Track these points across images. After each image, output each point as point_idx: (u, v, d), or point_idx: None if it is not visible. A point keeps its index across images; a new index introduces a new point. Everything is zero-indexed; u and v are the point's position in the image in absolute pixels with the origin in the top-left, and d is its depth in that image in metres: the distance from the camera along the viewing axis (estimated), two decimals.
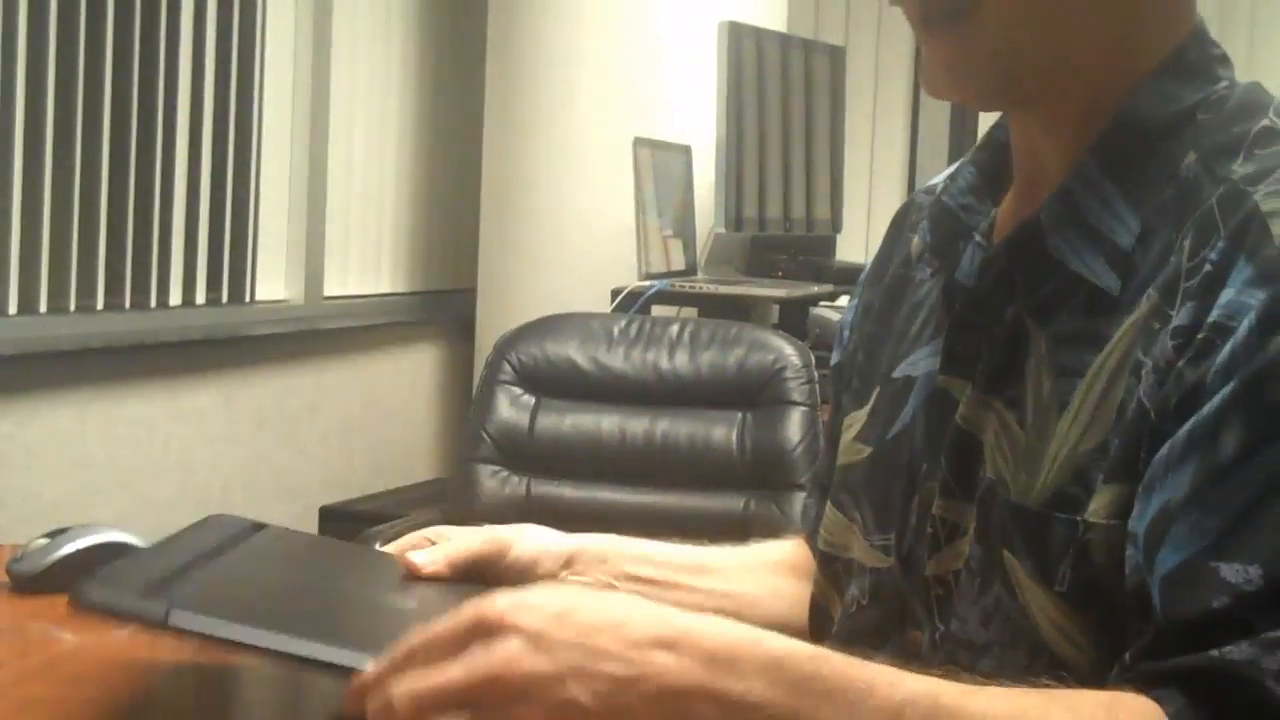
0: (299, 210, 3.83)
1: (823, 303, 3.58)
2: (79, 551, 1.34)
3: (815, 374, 2.53)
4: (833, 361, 1.28)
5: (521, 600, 0.80)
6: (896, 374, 1.12)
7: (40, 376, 2.98)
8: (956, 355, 1.06)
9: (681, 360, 2.59)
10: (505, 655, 0.78)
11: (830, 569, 1.17)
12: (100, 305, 3.11)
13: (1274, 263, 0.88)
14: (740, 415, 2.53)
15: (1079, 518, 0.93)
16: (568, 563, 1.23)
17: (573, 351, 2.62)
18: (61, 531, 1.37)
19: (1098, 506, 0.92)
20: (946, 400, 1.05)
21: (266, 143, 3.64)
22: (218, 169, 3.45)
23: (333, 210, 3.94)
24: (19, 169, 2.87)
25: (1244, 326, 0.87)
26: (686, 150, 3.88)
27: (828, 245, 4.29)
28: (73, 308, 3.03)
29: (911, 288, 1.16)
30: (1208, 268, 0.90)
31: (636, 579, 1.24)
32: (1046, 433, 0.97)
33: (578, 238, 3.89)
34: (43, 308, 2.96)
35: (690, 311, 3.41)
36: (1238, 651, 0.82)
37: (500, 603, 0.80)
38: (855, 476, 1.15)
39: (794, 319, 3.52)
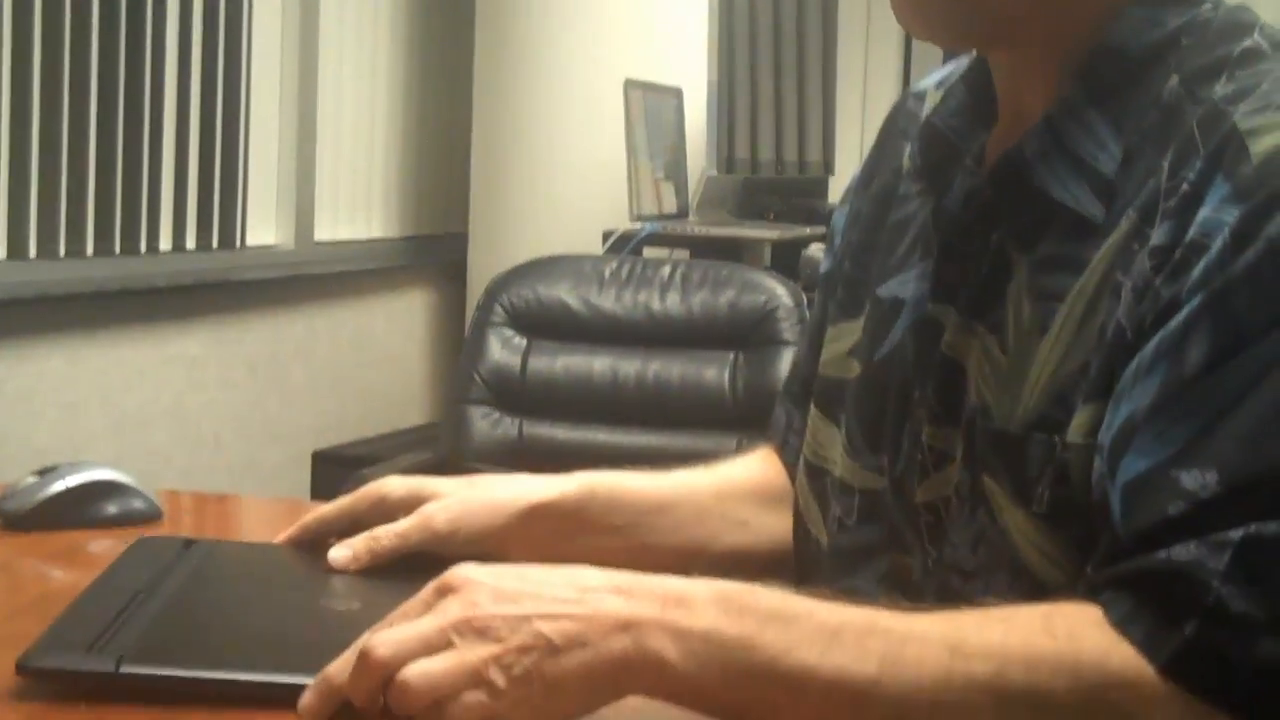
0: (289, 155, 3.81)
1: (815, 244, 3.57)
2: (69, 489, 1.34)
3: (807, 314, 2.53)
4: (822, 270, 1.28)
5: (478, 566, 0.88)
6: (884, 294, 1.12)
7: (30, 322, 2.97)
8: (943, 282, 1.06)
9: (673, 301, 2.59)
10: (472, 600, 0.85)
11: (816, 483, 1.17)
12: (90, 251, 3.09)
13: (1250, 180, 0.87)
14: (732, 355, 2.53)
15: (1056, 438, 0.93)
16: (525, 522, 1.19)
17: (564, 293, 2.61)
18: (51, 469, 1.36)
19: (1076, 426, 0.93)
20: (934, 327, 1.05)
21: (256, 88, 3.62)
22: (207, 114, 3.43)
23: (322, 155, 3.92)
24: (6, 114, 2.85)
25: (1218, 242, 0.87)
26: (678, 92, 3.86)
27: (820, 187, 4.28)
28: (62, 253, 3.02)
29: (899, 201, 1.16)
30: (1185, 187, 0.90)
31: (597, 531, 1.22)
32: (1028, 357, 0.97)
33: (568, 181, 3.88)
34: (32, 253, 2.95)
35: (682, 254, 3.40)
36: (1185, 552, 0.82)
37: (459, 569, 0.88)
38: (845, 393, 1.15)
39: (786, 261, 3.51)
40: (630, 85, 3.55)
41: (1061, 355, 0.95)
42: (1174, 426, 0.86)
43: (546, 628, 0.84)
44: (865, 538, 1.10)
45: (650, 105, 3.65)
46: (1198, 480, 0.84)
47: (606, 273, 2.63)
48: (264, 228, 3.76)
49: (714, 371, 2.52)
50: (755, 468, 1.31)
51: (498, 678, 0.83)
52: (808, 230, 3.78)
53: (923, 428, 1.04)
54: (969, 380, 1.01)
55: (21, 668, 0.91)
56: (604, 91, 3.70)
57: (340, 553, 1.14)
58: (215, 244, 3.50)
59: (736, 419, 2.48)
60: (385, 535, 1.15)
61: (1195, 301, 0.87)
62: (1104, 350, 0.92)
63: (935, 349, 1.04)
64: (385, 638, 0.85)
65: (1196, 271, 0.88)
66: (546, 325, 2.59)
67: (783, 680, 0.84)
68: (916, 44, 5.26)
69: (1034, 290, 0.98)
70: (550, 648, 0.83)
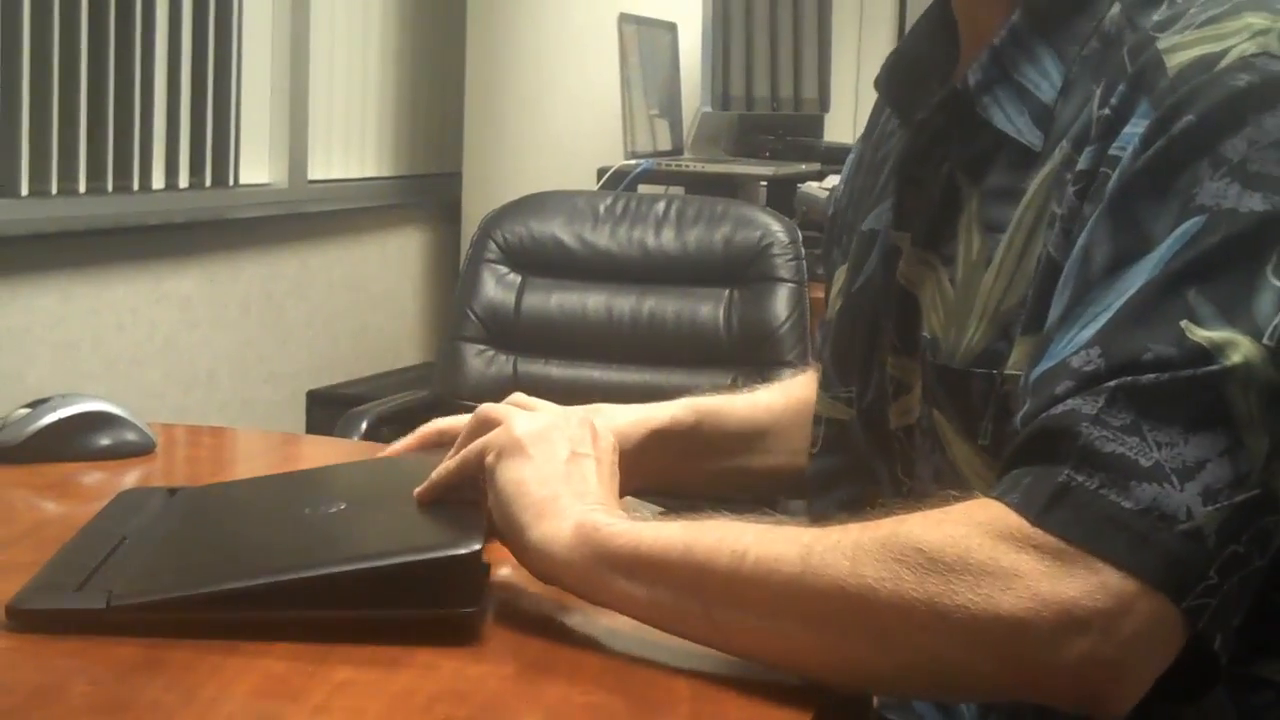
0: (282, 93, 3.78)
1: (810, 181, 3.56)
2: (61, 420, 1.34)
3: (803, 250, 2.52)
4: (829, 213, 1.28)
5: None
6: (864, 226, 1.12)
7: (22, 260, 2.96)
8: (904, 211, 1.06)
9: (668, 237, 2.58)
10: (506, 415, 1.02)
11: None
12: (82, 189, 3.08)
13: (1164, 91, 0.88)
14: (727, 292, 2.52)
15: (995, 371, 0.93)
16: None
17: (559, 229, 2.60)
18: (43, 401, 1.36)
19: (1014, 360, 0.93)
20: (895, 255, 1.05)
21: (249, 25, 3.59)
22: (199, 51, 3.40)
23: (316, 93, 3.90)
24: None
25: (1128, 152, 0.87)
26: (672, 27, 3.83)
27: (815, 125, 4.25)
28: (54, 191, 3.00)
29: (883, 138, 1.16)
30: (1106, 112, 0.90)
31: (705, 455, 1.23)
32: (974, 290, 0.97)
33: (563, 118, 3.85)
34: (24, 191, 2.93)
35: (677, 191, 3.39)
36: (1061, 408, 0.82)
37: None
38: (827, 329, 1.16)
39: (782, 198, 3.49)
40: (625, 20, 3.52)
41: (1004, 289, 0.95)
42: (1077, 328, 0.85)
43: (562, 440, 1.00)
44: (828, 465, 1.11)
45: (645, 40, 3.63)
46: (1083, 358, 0.84)
47: (601, 209, 2.62)
48: (257, 166, 3.74)
49: (709, 308, 2.52)
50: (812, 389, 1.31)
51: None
52: (803, 167, 3.76)
53: (887, 357, 1.05)
54: (923, 312, 1.01)
55: (12, 610, 0.91)
56: (598, 27, 3.67)
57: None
58: (208, 182, 3.48)
59: (731, 356, 2.48)
60: None
61: (1100, 206, 0.87)
62: (1036, 282, 0.92)
63: (894, 278, 1.04)
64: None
65: (1111, 183, 0.88)
66: (541, 262, 2.59)
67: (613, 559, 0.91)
68: None
69: (982, 222, 0.98)
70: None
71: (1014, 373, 0.92)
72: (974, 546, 0.80)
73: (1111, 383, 0.81)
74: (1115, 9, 0.96)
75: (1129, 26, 0.95)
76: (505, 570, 1.02)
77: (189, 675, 0.86)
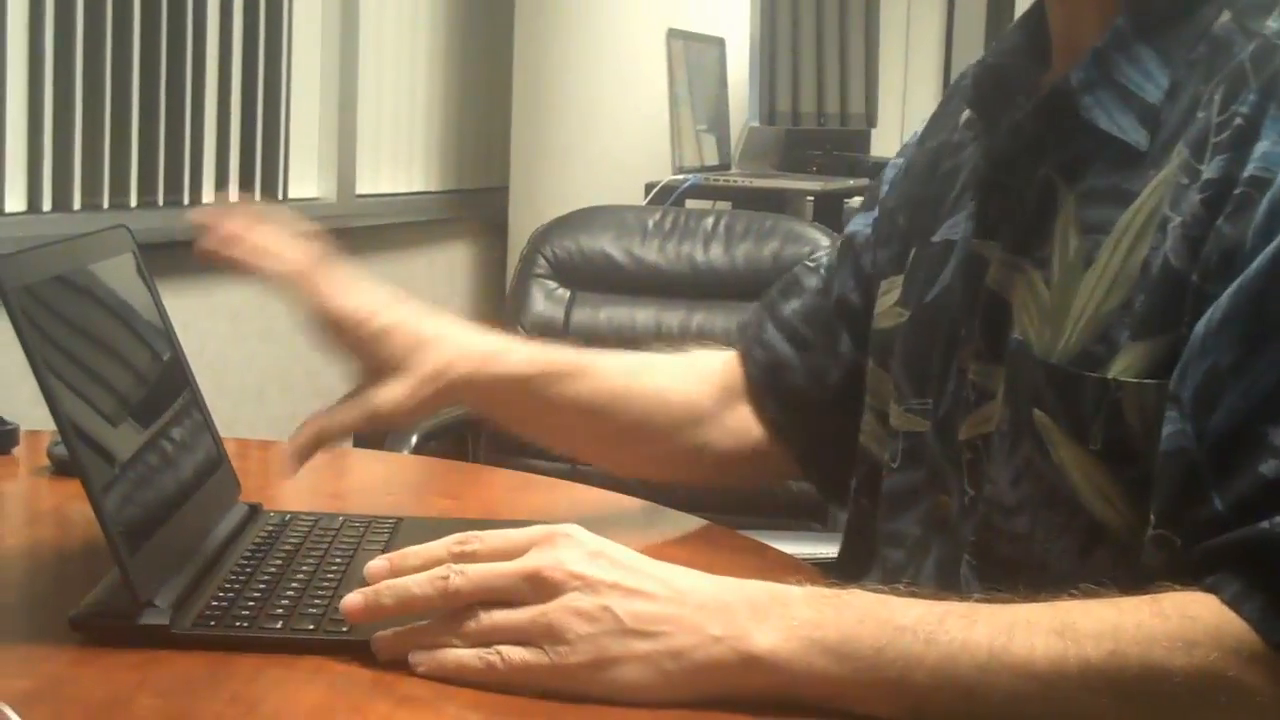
0: (330, 108, 3.80)
1: (857, 197, 3.55)
2: None
3: None
4: (865, 215, 1.27)
5: (581, 531, 0.89)
6: (936, 238, 1.12)
7: None
8: (988, 218, 1.06)
9: (717, 253, 2.57)
10: (557, 557, 0.86)
11: (883, 428, 1.17)
12: (134, 203, 3.10)
13: None
14: None
15: (1110, 377, 0.92)
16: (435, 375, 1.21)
17: (608, 244, 2.60)
18: None
19: (1126, 365, 0.92)
20: (979, 264, 1.05)
21: (298, 40, 3.61)
22: (249, 67, 3.43)
23: (364, 108, 3.91)
24: (50, 70, 2.85)
25: None
26: (720, 43, 3.84)
27: (862, 140, 4.25)
28: (106, 205, 3.02)
29: (950, 151, 1.16)
30: (1239, 121, 0.89)
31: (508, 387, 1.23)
32: (1072, 291, 0.96)
33: (610, 133, 3.86)
34: (76, 205, 2.95)
35: (724, 206, 3.38)
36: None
37: (563, 528, 0.89)
38: (894, 341, 1.14)
39: (828, 213, 3.49)
40: (673, 35, 3.53)
41: (1106, 289, 0.94)
42: (1260, 381, 0.84)
43: (617, 604, 0.85)
44: (909, 480, 1.10)
45: (693, 56, 3.63)
46: None
47: (650, 224, 2.62)
48: (306, 180, 3.76)
49: None
50: (706, 368, 1.32)
51: (565, 632, 0.84)
52: (850, 182, 3.75)
53: (969, 364, 1.04)
54: (1013, 316, 1.00)
55: (75, 622, 0.92)
56: (646, 42, 3.68)
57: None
58: (258, 196, 3.50)
59: None
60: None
61: (1271, 248, 0.86)
62: (1151, 286, 0.92)
63: (980, 286, 1.04)
64: (470, 571, 0.87)
65: (1261, 210, 0.87)
66: (590, 277, 2.59)
67: (886, 672, 0.83)
68: None
69: (1081, 223, 0.98)
70: (618, 624, 0.84)
71: (1129, 380, 0.92)
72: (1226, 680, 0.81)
73: None
74: (1225, 15, 0.96)
75: (1241, 32, 0.94)
76: None
77: (252, 688, 0.86)
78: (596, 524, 0.92)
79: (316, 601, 0.96)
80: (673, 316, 2.55)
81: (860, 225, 1.27)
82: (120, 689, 0.86)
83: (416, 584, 0.88)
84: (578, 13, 3.87)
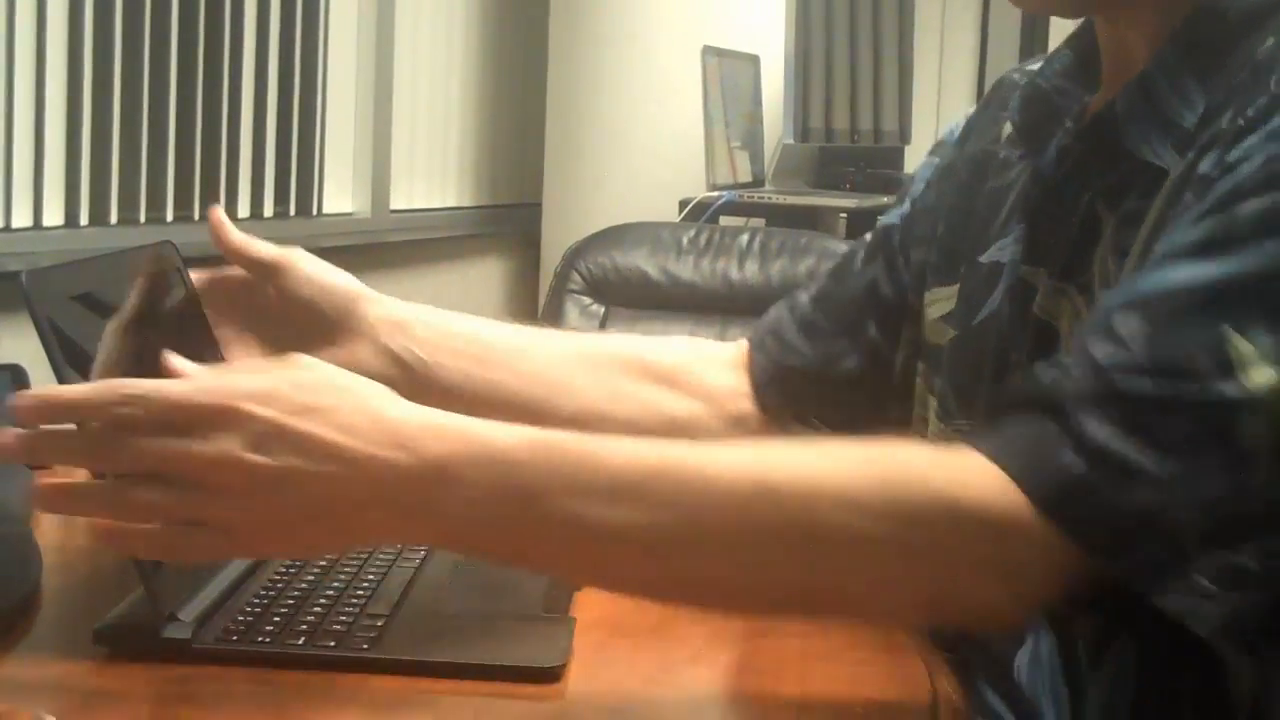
0: (365, 123, 3.82)
1: None
2: None
3: None
4: (897, 209, 1.26)
5: (268, 390, 0.82)
6: (984, 259, 1.11)
7: None
8: (1037, 244, 1.05)
9: (752, 270, 2.57)
10: (222, 451, 0.80)
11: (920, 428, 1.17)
12: (169, 217, 3.11)
13: None
14: None
15: None
16: (349, 313, 1.20)
17: (642, 261, 2.60)
18: None
19: None
20: (1028, 290, 1.04)
21: (333, 57, 3.63)
22: (285, 83, 3.44)
23: (399, 124, 3.93)
24: (89, 85, 2.86)
25: (1247, 165, 0.86)
26: (755, 60, 3.84)
27: (896, 157, 4.24)
28: (142, 220, 3.04)
29: (998, 168, 1.15)
30: (1240, 121, 0.89)
31: (442, 351, 1.22)
32: None
33: (644, 150, 3.86)
34: (113, 219, 2.97)
35: (758, 223, 3.38)
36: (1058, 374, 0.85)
37: (245, 387, 0.82)
38: (939, 357, 1.14)
39: (862, 230, 3.47)
40: (707, 52, 3.53)
41: None
42: (1150, 277, 0.86)
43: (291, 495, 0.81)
44: None
45: (727, 73, 3.63)
46: (1126, 325, 0.84)
47: (684, 240, 2.62)
48: (340, 196, 3.77)
49: None
50: (686, 353, 1.32)
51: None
52: (884, 199, 3.74)
53: None
54: (1061, 343, 1.00)
55: (100, 634, 0.92)
56: (681, 59, 3.68)
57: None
58: (293, 211, 3.51)
59: None
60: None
61: (1210, 197, 0.86)
62: None
63: (1029, 312, 1.04)
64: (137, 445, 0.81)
65: (1221, 185, 0.87)
66: (624, 293, 2.59)
67: (560, 531, 0.82)
68: (993, 14, 5.20)
69: (1116, 248, 0.97)
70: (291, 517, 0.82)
71: None
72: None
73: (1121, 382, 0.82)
74: (1269, 42, 0.95)
75: None
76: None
77: (298, 701, 0.86)
78: None
79: (342, 619, 0.96)
80: (707, 333, 2.54)
81: (894, 219, 1.26)
82: (156, 705, 0.86)
83: (76, 450, 0.83)
84: (612, 29, 3.88)
